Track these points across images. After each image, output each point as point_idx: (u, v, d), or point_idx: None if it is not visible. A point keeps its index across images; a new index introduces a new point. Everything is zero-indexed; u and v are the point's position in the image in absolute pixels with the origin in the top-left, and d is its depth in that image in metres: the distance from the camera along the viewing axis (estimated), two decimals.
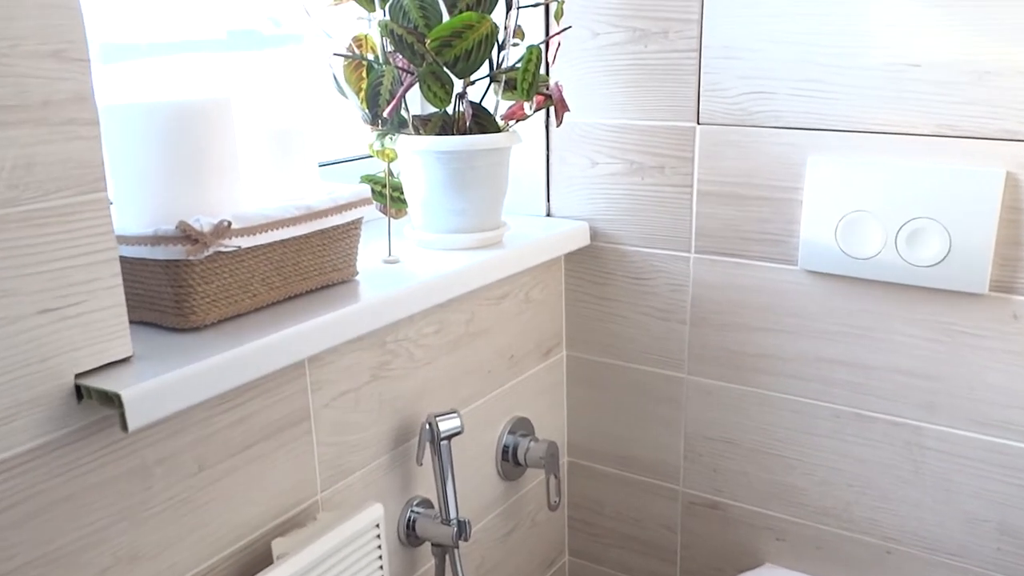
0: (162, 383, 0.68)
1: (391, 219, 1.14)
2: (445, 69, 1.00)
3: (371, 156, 1.08)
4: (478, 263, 1.01)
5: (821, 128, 1.01)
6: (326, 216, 0.85)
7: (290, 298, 0.86)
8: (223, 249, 0.75)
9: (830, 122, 1.01)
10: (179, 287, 0.75)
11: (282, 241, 0.82)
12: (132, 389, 0.65)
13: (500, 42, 1.05)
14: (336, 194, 0.88)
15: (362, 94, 1.06)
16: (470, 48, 0.99)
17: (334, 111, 1.17)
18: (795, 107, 1.02)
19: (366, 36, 1.08)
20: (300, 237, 0.84)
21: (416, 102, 1.13)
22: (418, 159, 1.02)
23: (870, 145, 0.99)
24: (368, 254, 1.02)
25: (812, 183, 1.03)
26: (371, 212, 1.20)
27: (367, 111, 1.06)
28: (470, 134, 1.03)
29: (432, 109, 1.08)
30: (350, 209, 0.88)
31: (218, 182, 0.79)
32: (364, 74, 1.06)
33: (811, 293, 1.06)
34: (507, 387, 1.17)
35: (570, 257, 1.24)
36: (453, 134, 1.04)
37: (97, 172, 0.66)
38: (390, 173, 1.13)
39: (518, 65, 1.02)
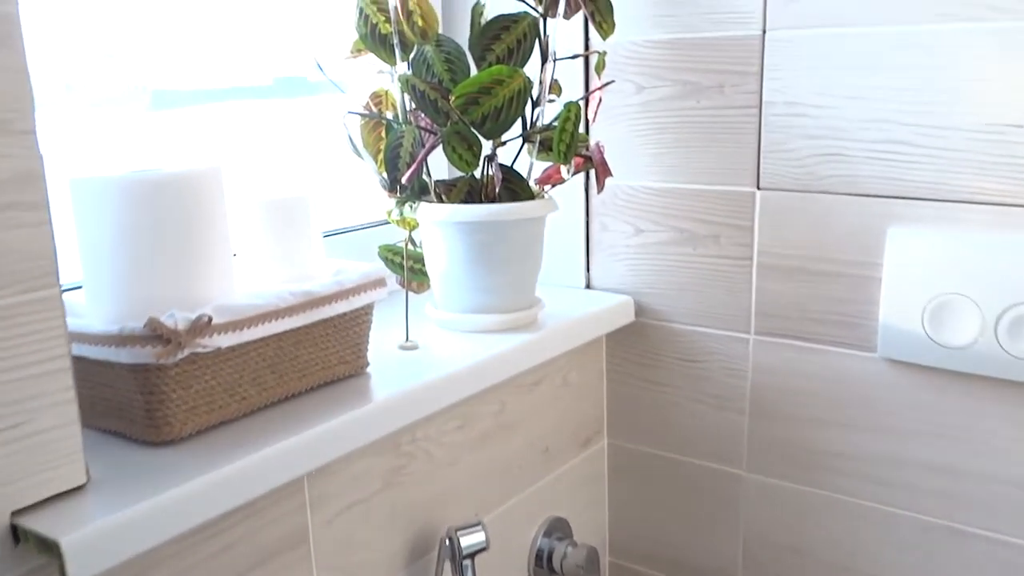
0: (118, 522, 0.55)
1: (412, 295, 1.02)
2: (472, 129, 0.88)
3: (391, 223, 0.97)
4: (510, 349, 0.88)
5: (903, 196, 0.88)
6: (330, 303, 0.73)
7: (287, 399, 0.74)
8: (201, 350, 0.63)
9: (914, 189, 0.87)
10: (149, 394, 0.63)
11: (277, 335, 0.70)
12: (76, 534, 0.53)
13: (534, 98, 0.93)
14: (343, 276, 0.76)
15: (380, 156, 0.95)
16: (500, 105, 0.88)
17: (352, 170, 1.06)
18: (873, 171, 0.89)
19: (386, 92, 0.97)
20: (299, 329, 0.72)
21: (441, 166, 1.02)
22: (440, 230, 0.91)
23: (963, 216, 0.85)
24: (383, 337, 0.90)
25: (893, 258, 0.89)
26: (390, 284, 1.08)
27: (384, 176, 0.94)
28: (500, 201, 0.91)
29: (458, 173, 0.96)
30: (359, 294, 0.76)
31: (204, 267, 0.68)
32: (383, 134, 0.94)
33: (893, 385, 0.92)
34: (541, 484, 1.03)
35: (612, 335, 1.11)
36: (481, 201, 0.92)
37: (46, 265, 0.55)
38: (411, 243, 1.01)
39: (554, 124, 0.90)
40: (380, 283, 0.78)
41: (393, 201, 0.95)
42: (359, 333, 0.78)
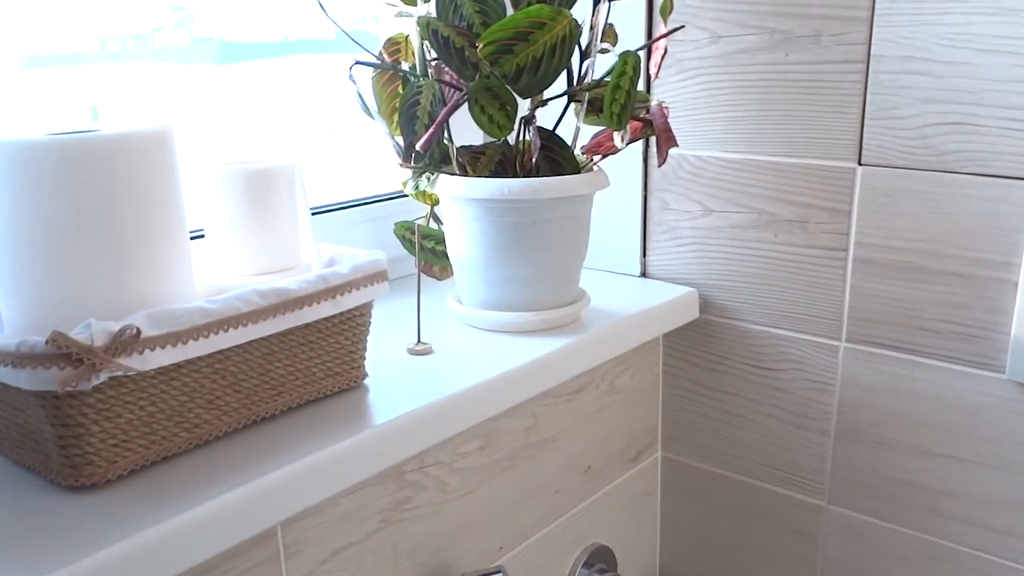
0: None
1: (432, 283, 0.86)
2: (505, 84, 0.71)
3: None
4: (548, 354, 0.72)
5: None
6: (310, 304, 0.58)
7: (257, 423, 0.59)
8: (121, 373, 0.48)
9: None
10: (62, 427, 0.49)
11: (239, 347, 0.55)
12: None
13: (583, 47, 0.75)
14: (333, 268, 0.60)
15: (394, 117, 0.79)
16: (539, 55, 0.70)
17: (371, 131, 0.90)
18: (1012, 147, 0.69)
19: (406, 39, 0.81)
20: (269, 338, 0.57)
21: (468, 130, 0.85)
22: (463, 208, 0.74)
23: None
24: (389, 337, 0.75)
25: None
26: (406, 266, 0.93)
27: (397, 139, 0.78)
28: (538, 174, 0.75)
29: (488, 139, 0.80)
30: (348, 292, 0.60)
31: (147, 256, 0.53)
32: (400, 90, 0.78)
33: (1022, 413, 0.73)
34: (581, 508, 0.87)
35: (671, 334, 0.94)
36: (515, 174, 0.75)
37: None
38: (435, 219, 0.85)
39: (607, 80, 0.72)
40: (378, 277, 0.62)
41: (410, 172, 0.79)
42: (352, 339, 0.63)
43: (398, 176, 0.80)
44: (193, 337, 0.51)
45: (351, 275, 0.60)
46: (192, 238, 0.69)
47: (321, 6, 0.73)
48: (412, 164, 0.76)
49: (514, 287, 0.75)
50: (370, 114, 0.78)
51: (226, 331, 0.53)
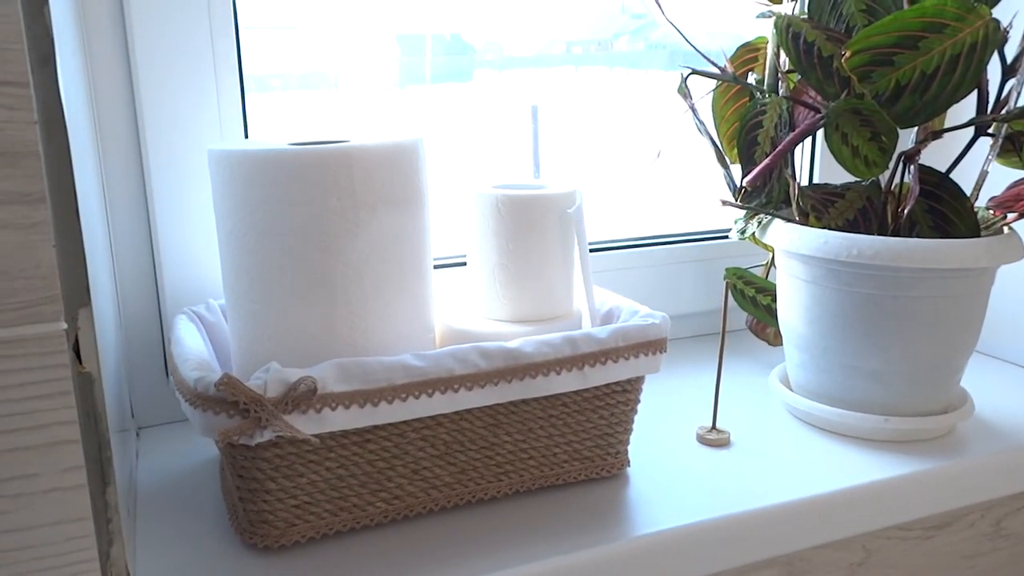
0: None
1: (758, 345, 0.70)
2: (878, 107, 0.52)
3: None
4: (896, 478, 0.53)
5: None
6: (551, 372, 0.46)
7: (474, 503, 0.49)
8: (286, 433, 0.40)
9: None
10: (239, 478, 0.43)
11: (455, 414, 0.45)
12: None
13: (1006, 60, 0.53)
14: (588, 331, 0.48)
15: (726, 136, 0.64)
16: (932, 69, 0.51)
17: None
18: None
19: (765, 45, 0.65)
20: (496, 407, 0.46)
21: (826, 164, 0.66)
22: (797, 267, 0.57)
23: None
24: (678, 412, 0.60)
25: None
26: (739, 318, 0.76)
27: (728, 170, 0.63)
28: (911, 232, 0.55)
29: (849, 177, 0.61)
30: (604, 362, 0.47)
31: (374, 285, 0.45)
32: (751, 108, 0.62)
33: None
34: None
35: None
36: (881, 229, 0.56)
37: (39, 286, 0.37)
38: (772, 269, 0.68)
39: None
40: (651, 347, 0.48)
41: (743, 212, 0.63)
42: (609, 418, 0.50)
43: (731, 213, 0.65)
44: (387, 398, 0.42)
45: (610, 341, 0.47)
46: (444, 266, 0.61)
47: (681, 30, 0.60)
48: (738, 203, 0.60)
49: (859, 379, 0.56)
50: (702, 131, 0.64)
51: (430, 395, 0.43)
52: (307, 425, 0.41)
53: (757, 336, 0.70)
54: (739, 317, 0.76)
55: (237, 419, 0.40)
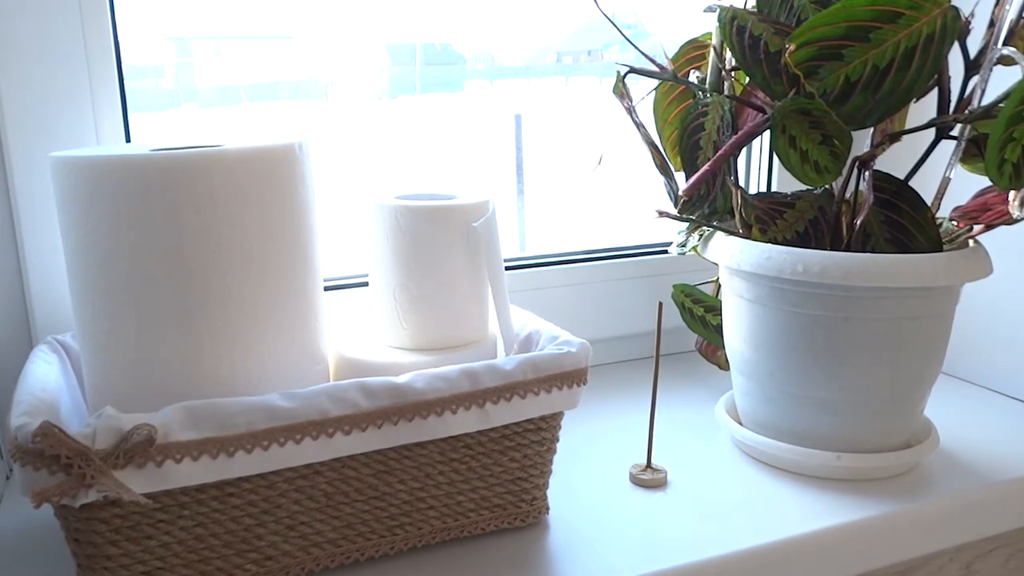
0: None
1: (710, 370, 0.64)
2: (825, 107, 0.47)
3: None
4: (853, 523, 0.47)
5: None
6: (445, 411, 0.40)
7: (364, 561, 0.43)
8: (112, 494, 0.34)
9: None
10: (75, 542, 0.36)
11: (335, 461, 0.39)
12: None
13: (969, 55, 0.48)
14: (491, 363, 0.41)
15: (669, 141, 0.58)
16: (885, 64, 0.45)
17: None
18: None
19: (710, 42, 0.59)
20: (385, 452, 0.40)
21: (785, 171, 0.60)
22: (739, 285, 0.51)
23: None
24: (613, 446, 0.54)
25: None
26: (682, 340, 0.71)
27: (670, 178, 0.57)
28: (864, 247, 0.49)
29: (801, 186, 0.55)
30: (509, 398, 0.41)
31: (253, 309, 0.39)
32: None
33: None
34: None
35: None
36: (833, 243, 0.50)
37: None
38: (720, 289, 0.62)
39: (1002, 105, 0.44)
40: (565, 378, 0.42)
41: (685, 224, 0.57)
42: (522, 461, 0.44)
43: (673, 225, 0.59)
44: (245, 447, 0.36)
45: (517, 374, 0.41)
46: (335, 288, 0.55)
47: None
48: (675, 214, 0.54)
49: (809, 410, 0.50)
50: (645, 137, 0.58)
51: (298, 442, 0.37)
52: (145, 481, 0.34)
53: (707, 359, 0.64)
54: (688, 338, 0.70)
55: (59, 475, 0.34)
